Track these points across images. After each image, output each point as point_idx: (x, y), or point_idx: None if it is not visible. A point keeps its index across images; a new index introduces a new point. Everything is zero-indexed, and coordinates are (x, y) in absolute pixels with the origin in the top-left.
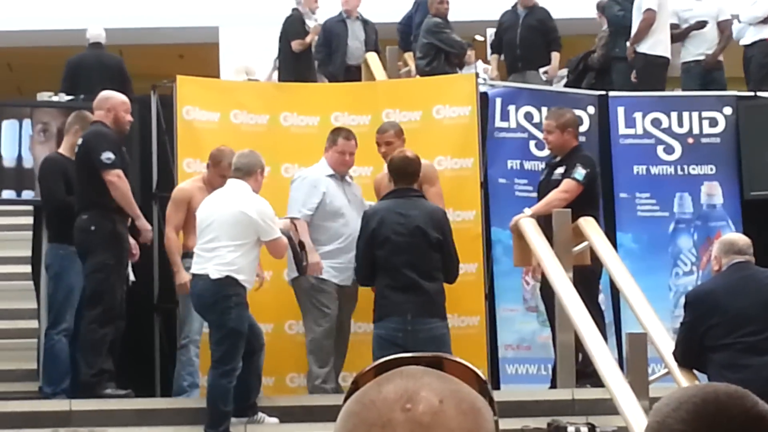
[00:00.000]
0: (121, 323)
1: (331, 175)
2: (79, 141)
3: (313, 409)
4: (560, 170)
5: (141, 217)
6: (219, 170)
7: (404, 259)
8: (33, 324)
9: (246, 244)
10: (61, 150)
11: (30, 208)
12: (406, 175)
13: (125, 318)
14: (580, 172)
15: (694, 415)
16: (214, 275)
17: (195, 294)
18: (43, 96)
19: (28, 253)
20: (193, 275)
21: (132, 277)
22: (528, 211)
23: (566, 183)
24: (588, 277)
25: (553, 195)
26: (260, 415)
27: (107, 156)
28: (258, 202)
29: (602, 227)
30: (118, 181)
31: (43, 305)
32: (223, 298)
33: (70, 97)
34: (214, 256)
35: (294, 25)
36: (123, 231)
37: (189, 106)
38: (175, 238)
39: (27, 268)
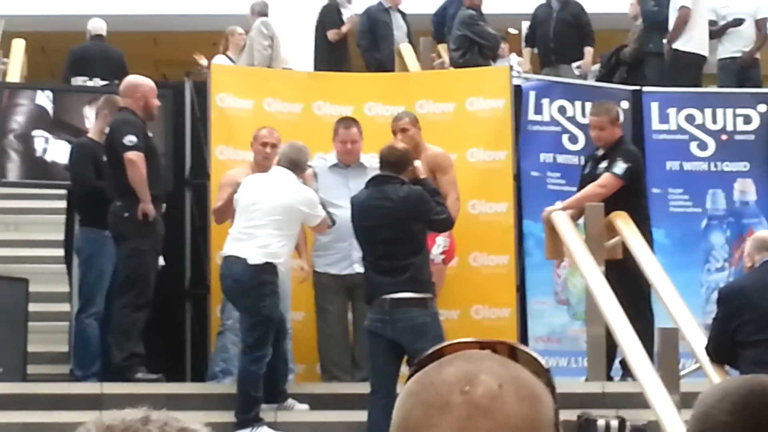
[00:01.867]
0: (148, 309)
1: (334, 165)
2: (107, 129)
3: (342, 396)
4: (604, 164)
5: (148, 201)
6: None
7: (381, 247)
8: (65, 307)
9: (291, 234)
10: (90, 134)
11: (63, 192)
12: (388, 164)
13: (153, 303)
14: (620, 167)
15: (739, 406)
16: (253, 260)
17: (230, 277)
18: (78, 81)
19: (61, 236)
20: (227, 257)
21: (162, 262)
22: (559, 204)
23: (605, 177)
24: (642, 288)
25: (590, 189)
26: (290, 401)
27: (129, 139)
28: (305, 192)
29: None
30: (137, 160)
31: (75, 289)
32: (260, 284)
33: (104, 82)
34: (255, 240)
35: (330, 14)
36: (157, 217)
37: (223, 93)
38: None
39: (60, 252)
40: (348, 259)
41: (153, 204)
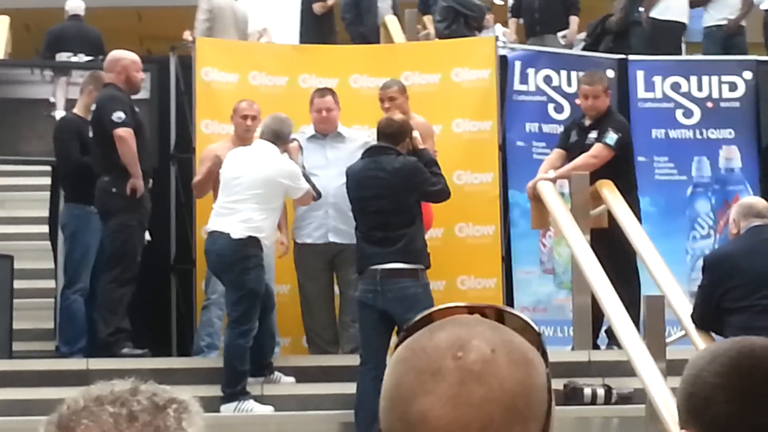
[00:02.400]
0: (134, 284)
1: (312, 136)
2: (93, 106)
3: (329, 369)
4: (594, 134)
5: (139, 176)
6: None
7: (374, 217)
8: (51, 284)
9: (273, 207)
10: (75, 110)
11: (47, 168)
12: (384, 135)
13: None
14: (611, 137)
15: (728, 368)
16: (236, 234)
17: (214, 252)
18: (62, 57)
19: (46, 213)
20: (211, 232)
21: (148, 237)
22: (552, 173)
23: (597, 148)
24: (629, 257)
25: (582, 159)
26: (276, 374)
27: (118, 115)
28: (286, 164)
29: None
30: (126, 136)
31: (60, 265)
32: (243, 258)
33: (89, 58)
34: (237, 215)
35: None
36: (144, 193)
37: (208, 67)
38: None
39: (45, 229)
40: (324, 227)
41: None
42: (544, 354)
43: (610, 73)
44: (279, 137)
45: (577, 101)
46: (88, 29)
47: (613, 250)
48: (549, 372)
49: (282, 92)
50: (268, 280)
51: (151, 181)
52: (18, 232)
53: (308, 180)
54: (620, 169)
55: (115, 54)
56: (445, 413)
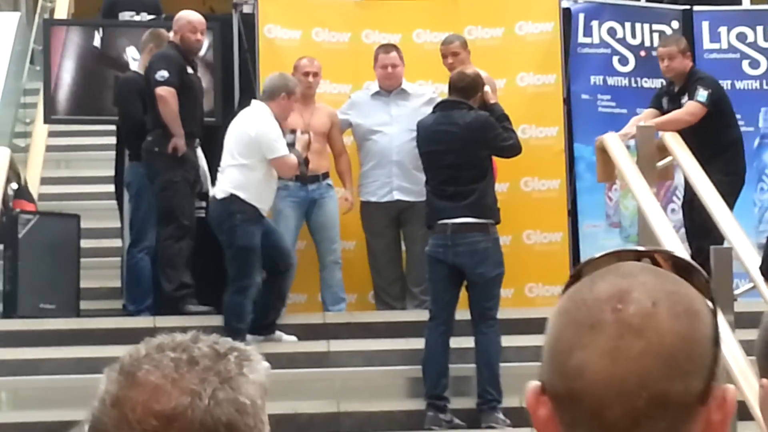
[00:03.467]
0: (189, 240)
1: (376, 93)
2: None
3: (395, 324)
4: (685, 99)
5: (181, 135)
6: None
7: (445, 172)
8: (117, 243)
9: (250, 163)
10: (136, 68)
11: (112, 128)
12: (456, 89)
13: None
14: (702, 94)
15: None
16: (219, 195)
17: (209, 216)
18: (125, 15)
19: (111, 173)
20: (209, 196)
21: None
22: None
23: (690, 105)
24: None
25: (677, 114)
26: (278, 333)
27: (161, 74)
28: (262, 121)
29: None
30: (167, 95)
31: (126, 224)
32: (228, 216)
33: (151, 17)
34: (223, 175)
35: None
36: (188, 152)
37: (270, 24)
38: None
39: (110, 188)
40: (388, 185)
41: (186, 140)
42: (713, 301)
43: (675, 24)
44: (266, 93)
45: (641, 53)
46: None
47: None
48: (716, 322)
49: (345, 48)
50: (329, 238)
51: (197, 141)
52: (84, 192)
53: (291, 149)
54: (715, 125)
55: (180, 14)
56: (602, 367)
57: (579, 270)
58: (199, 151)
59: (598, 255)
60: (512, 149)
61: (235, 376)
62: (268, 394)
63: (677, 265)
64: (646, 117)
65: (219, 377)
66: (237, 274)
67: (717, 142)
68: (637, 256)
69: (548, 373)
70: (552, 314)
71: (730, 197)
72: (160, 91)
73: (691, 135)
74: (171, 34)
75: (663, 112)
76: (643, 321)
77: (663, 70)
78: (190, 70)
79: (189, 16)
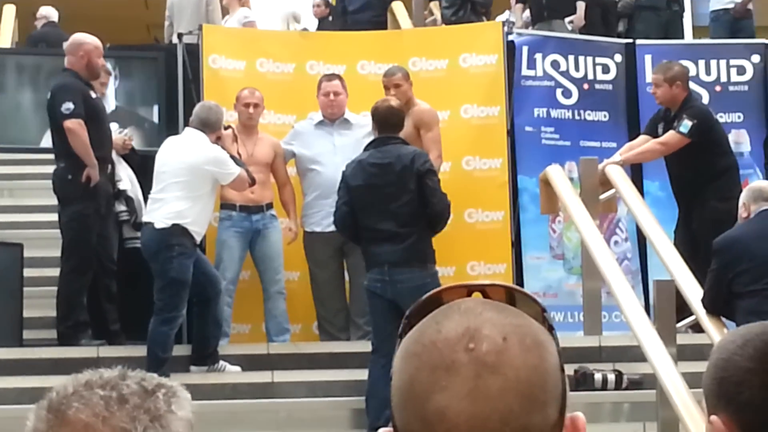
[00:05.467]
0: (92, 273)
1: (319, 122)
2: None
3: (339, 355)
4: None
5: (94, 165)
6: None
7: (379, 209)
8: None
9: (200, 195)
10: None
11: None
12: (387, 125)
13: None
14: (685, 125)
15: (762, 353)
16: (159, 224)
17: (142, 243)
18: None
19: (54, 201)
20: (143, 223)
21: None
22: (617, 157)
23: (668, 135)
24: None
25: (650, 145)
26: (221, 363)
27: (66, 107)
28: (211, 150)
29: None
30: (75, 128)
31: None
32: (166, 247)
33: None
34: (162, 203)
35: None
36: (102, 179)
37: (215, 54)
38: None
39: (54, 217)
40: (332, 215)
41: (99, 166)
42: (551, 329)
43: (618, 58)
44: (206, 125)
45: (585, 86)
46: (66, 35)
47: (694, 241)
48: (560, 350)
49: (289, 79)
50: (273, 268)
51: (110, 167)
52: (27, 221)
53: (240, 165)
54: (702, 155)
55: (78, 38)
56: (463, 408)
57: (414, 311)
58: (134, 179)
59: (428, 294)
60: (442, 202)
61: (164, 413)
62: (204, 425)
63: (512, 297)
64: (639, 143)
65: (149, 415)
66: (165, 305)
67: (711, 169)
68: (469, 291)
69: (404, 418)
70: (398, 358)
71: (727, 224)
72: (69, 123)
73: (685, 162)
74: (66, 60)
75: (657, 138)
76: (498, 358)
77: (655, 97)
78: (93, 94)
79: (94, 40)
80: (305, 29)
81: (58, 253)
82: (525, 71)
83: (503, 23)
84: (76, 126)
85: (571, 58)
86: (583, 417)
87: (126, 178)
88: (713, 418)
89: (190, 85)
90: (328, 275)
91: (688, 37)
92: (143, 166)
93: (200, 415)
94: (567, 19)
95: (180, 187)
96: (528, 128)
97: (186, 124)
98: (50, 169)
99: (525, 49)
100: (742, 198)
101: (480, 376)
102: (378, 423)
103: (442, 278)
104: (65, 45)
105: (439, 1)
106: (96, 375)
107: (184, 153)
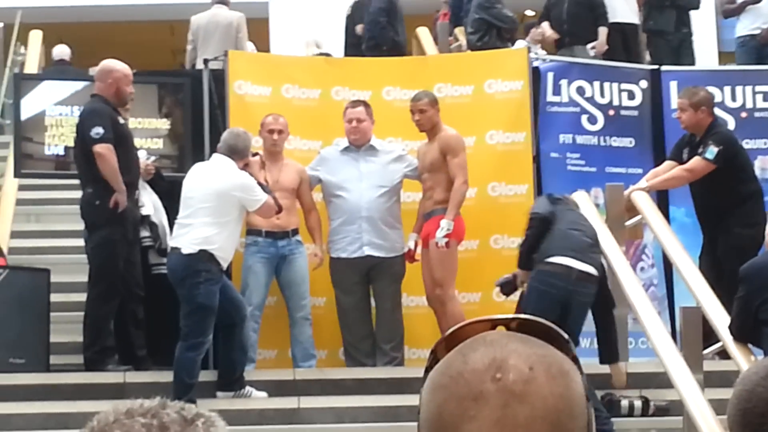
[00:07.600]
0: (119, 299)
1: (345, 149)
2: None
3: (365, 381)
4: (700, 150)
5: (122, 191)
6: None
7: None
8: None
9: (227, 221)
10: None
11: None
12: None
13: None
14: (711, 151)
15: None
16: (186, 250)
17: (168, 268)
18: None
19: (81, 226)
20: (170, 249)
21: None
22: (644, 183)
23: (694, 161)
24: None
25: (676, 171)
26: (248, 389)
27: (96, 131)
28: (238, 177)
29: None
30: (105, 152)
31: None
32: (193, 273)
33: None
34: (189, 229)
35: (359, 11)
36: (129, 205)
37: (241, 80)
38: None
39: (80, 242)
40: (358, 241)
41: (126, 191)
42: (575, 360)
43: (643, 84)
44: (234, 151)
45: (610, 112)
46: (79, 72)
47: (718, 267)
48: (584, 378)
49: (315, 105)
50: (299, 294)
51: (137, 192)
52: (54, 246)
53: (267, 192)
54: (727, 181)
55: (108, 64)
56: None
57: (438, 346)
58: (159, 205)
59: (453, 328)
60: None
61: None
62: None
63: (536, 330)
64: (660, 171)
65: None
66: (192, 331)
67: (736, 195)
68: (493, 324)
69: None
70: (425, 391)
71: (751, 250)
72: (98, 148)
73: (709, 188)
74: (95, 86)
75: (682, 163)
76: (525, 387)
77: (680, 121)
78: (121, 120)
79: (124, 68)
80: (329, 54)
81: (85, 279)
82: (550, 97)
83: (528, 49)
84: (105, 151)
85: (596, 84)
86: None
87: (149, 204)
88: None
89: (216, 111)
90: (354, 301)
91: (714, 63)
92: (170, 191)
93: None
94: (589, 45)
95: (207, 213)
96: (553, 154)
97: (212, 150)
98: (77, 194)
99: (550, 75)
100: None
101: (508, 405)
102: None
103: (467, 304)
104: (95, 70)
105: (464, 26)
106: (137, 404)
107: (211, 179)
